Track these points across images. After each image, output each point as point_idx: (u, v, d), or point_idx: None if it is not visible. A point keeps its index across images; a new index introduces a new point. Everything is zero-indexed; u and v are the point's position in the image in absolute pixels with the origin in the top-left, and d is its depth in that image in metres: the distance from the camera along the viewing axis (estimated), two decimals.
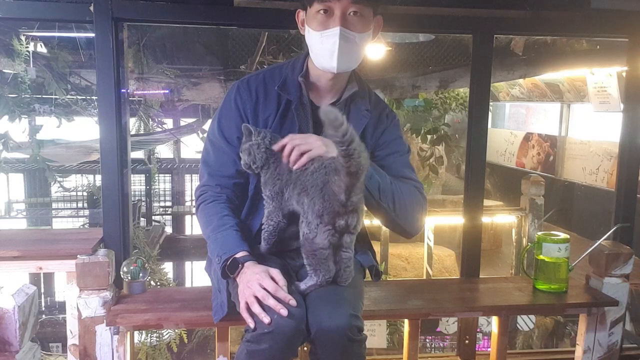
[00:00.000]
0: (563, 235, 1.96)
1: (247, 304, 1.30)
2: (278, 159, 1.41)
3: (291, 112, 1.47)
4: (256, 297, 1.29)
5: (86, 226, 5.34)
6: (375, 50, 4.09)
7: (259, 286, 1.29)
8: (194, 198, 1.57)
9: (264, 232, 1.45)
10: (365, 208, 1.42)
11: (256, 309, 1.28)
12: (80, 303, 1.71)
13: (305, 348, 1.79)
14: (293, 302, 1.27)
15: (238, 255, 1.37)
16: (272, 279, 1.31)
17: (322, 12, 1.37)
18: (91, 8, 1.84)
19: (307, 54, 1.48)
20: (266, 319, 1.25)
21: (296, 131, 1.46)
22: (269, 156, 1.41)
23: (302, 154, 1.35)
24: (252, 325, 1.28)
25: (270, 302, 1.27)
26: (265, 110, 1.48)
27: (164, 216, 7.04)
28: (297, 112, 1.46)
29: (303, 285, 1.37)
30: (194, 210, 1.57)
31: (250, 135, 1.42)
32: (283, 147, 1.39)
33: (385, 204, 1.42)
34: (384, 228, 3.54)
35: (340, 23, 1.36)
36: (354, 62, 1.45)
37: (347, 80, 1.51)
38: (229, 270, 1.37)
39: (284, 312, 1.25)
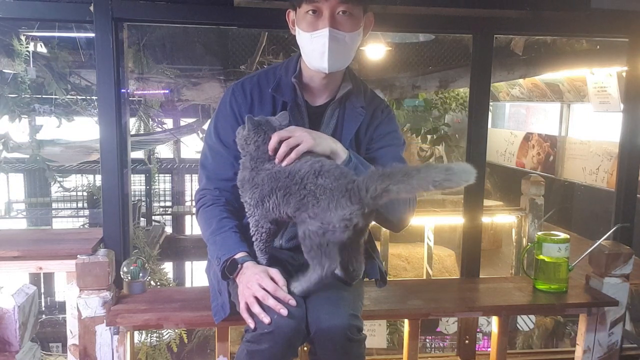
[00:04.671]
0: (563, 235, 1.96)
1: (247, 304, 1.30)
2: (258, 166, 1.34)
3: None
4: (256, 298, 1.29)
5: (86, 226, 5.35)
6: (375, 50, 4.09)
7: (259, 286, 1.29)
8: (194, 201, 1.57)
9: (258, 242, 1.39)
10: None
11: (256, 309, 1.28)
12: (80, 303, 1.71)
13: (305, 348, 1.79)
14: (293, 302, 1.27)
15: (237, 256, 1.37)
16: (272, 279, 1.31)
17: (310, 12, 1.36)
18: (91, 8, 1.83)
19: (300, 55, 1.48)
20: (266, 319, 1.25)
21: None
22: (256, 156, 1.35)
23: (290, 149, 1.32)
24: (252, 325, 1.28)
25: (270, 302, 1.27)
26: (261, 112, 1.47)
27: (164, 216, 7.05)
28: (292, 113, 1.45)
29: (306, 283, 1.31)
30: (194, 210, 1.57)
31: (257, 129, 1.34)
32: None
33: None
34: (384, 228, 3.54)
35: (330, 24, 1.35)
36: (345, 61, 1.44)
37: (341, 79, 1.50)
38: (228, 272, 1.37)
39: (284, 312, 1.25)
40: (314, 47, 1.38)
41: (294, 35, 1.47)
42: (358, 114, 1.50)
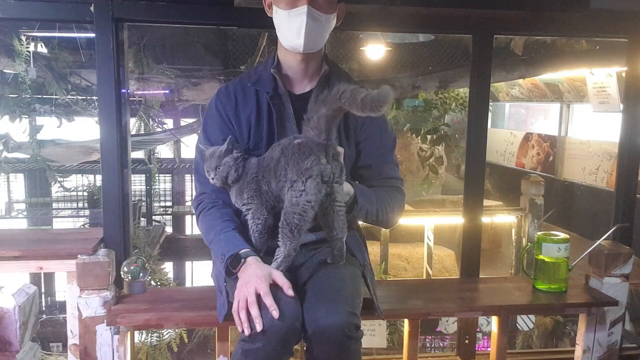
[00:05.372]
0: (563, 235, 1.96)
1: (238, 305, 1.31)
2: (243, 171, 1.46)
3: (269, 104, 1.50)
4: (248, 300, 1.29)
5: (86, 226, 5.34)
6: (375, 50, 4.09)
7: (254, 291, 1.29)
8: (193, 208, 1.60)
9: (254, 232, 1.46)
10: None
11: (254, 310, 1.28)
12: (80, 303, 1.72)
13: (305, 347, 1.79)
14: (276, 313, 1.25)
15: (241, 251, 1.38)
16: (274, 281, 1.31)
17: None
18: (91, 8, 1.84)
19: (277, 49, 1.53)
20: (258, 326, 1.25)
21: (274, 122, 1.49)
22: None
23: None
24: (240, 328, 1.29)
25: (256, 310, 1.27)
26: (245, 109, 1.52)
27: (164, 216, 7.04)
28: (272, 102, 1.49)
29: (274, 264, 1.38)
30: (194, 210, 1.58)
31: (232, 150, 1.46)
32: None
33: (371, 220, 1.54)
34: (383, 228, 3.54)
35: (308, 2, 1.39)
36: (320, 42, 1.48)
37: (319, 66, 1.54)
38: (231, 266, 1.38)
39: (275, 314, 1.25)
40: (292, 25, 1.42)
41: None
42: None
